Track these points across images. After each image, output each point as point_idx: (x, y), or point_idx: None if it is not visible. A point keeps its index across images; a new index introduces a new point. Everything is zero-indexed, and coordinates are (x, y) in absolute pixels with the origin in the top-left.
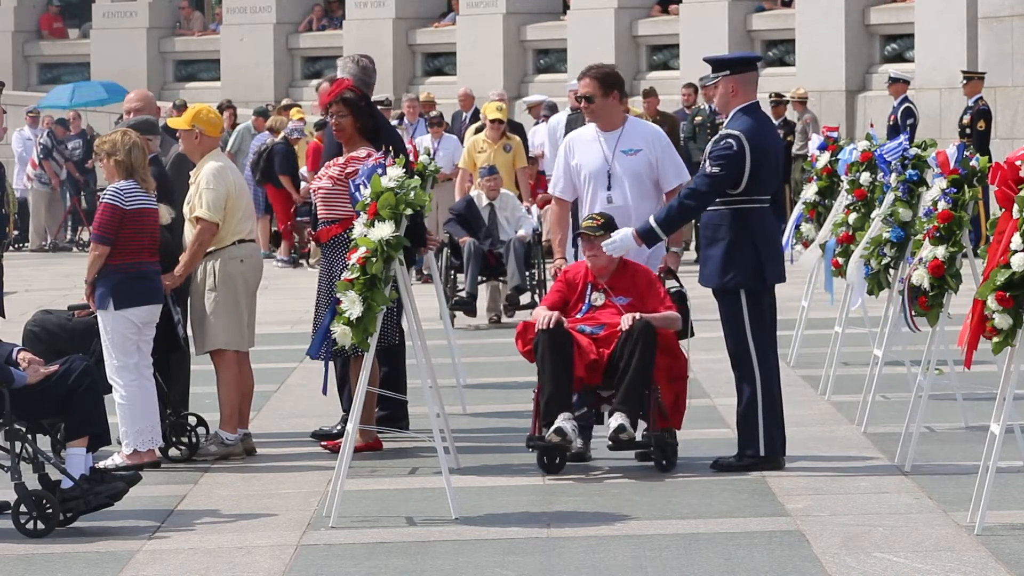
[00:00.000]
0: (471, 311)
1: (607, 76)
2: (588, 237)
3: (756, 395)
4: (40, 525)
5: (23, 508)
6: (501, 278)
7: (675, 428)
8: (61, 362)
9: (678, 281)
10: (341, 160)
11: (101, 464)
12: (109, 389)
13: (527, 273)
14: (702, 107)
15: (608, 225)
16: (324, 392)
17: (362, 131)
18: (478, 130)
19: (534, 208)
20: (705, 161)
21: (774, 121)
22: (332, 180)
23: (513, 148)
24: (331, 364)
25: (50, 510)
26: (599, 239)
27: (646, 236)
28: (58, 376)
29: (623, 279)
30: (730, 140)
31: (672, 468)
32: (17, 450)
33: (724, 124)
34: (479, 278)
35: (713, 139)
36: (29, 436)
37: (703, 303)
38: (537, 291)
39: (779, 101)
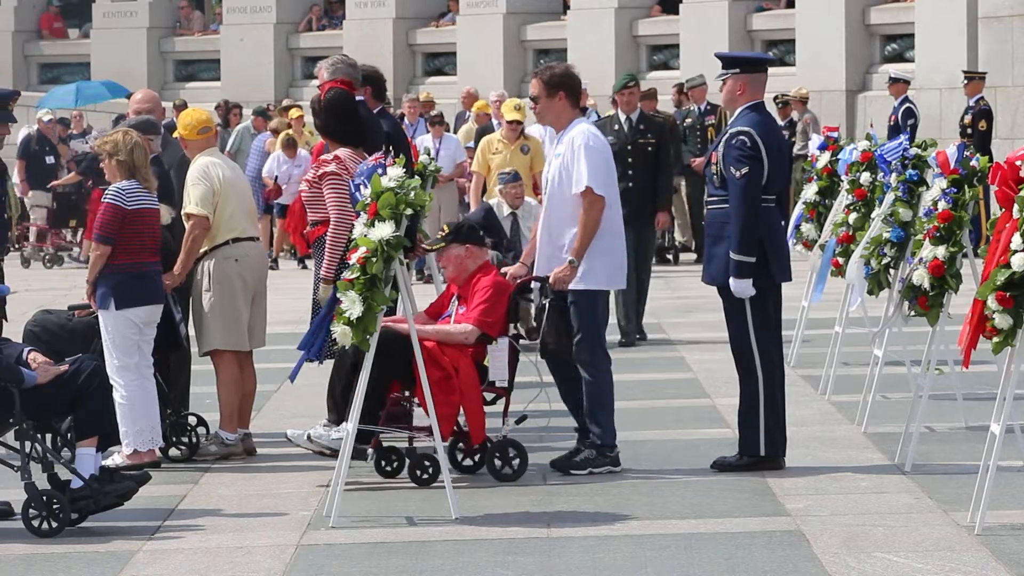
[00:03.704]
0: None
1: (552, 77)
2: (434, 250)
3: (758, 394)
4: (49, 525)
5: (33, 508)
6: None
7: (474, 443)
8: (71, 362)
9: (551, 292)
10: (315, 164)
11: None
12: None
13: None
14: (691, 109)
15: (454, 234)
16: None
17: (323, 132)
18: (482, 131)
19: None
20: (728, 169)
21: (780, 122)
22: (308, 184)
23: (531, 150)
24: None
25: (60, 510)
26: (442, 250)
27: (738, 271)
28: (68, 376)
29: (467, 289)
30: (743, 137)
31: (517, 477)
32: (27, 450)
33: (729, 123)
34: None
35: (724, 141)
36: (38, 436)
37: (703, 303)
38: None
39: (784, 103)
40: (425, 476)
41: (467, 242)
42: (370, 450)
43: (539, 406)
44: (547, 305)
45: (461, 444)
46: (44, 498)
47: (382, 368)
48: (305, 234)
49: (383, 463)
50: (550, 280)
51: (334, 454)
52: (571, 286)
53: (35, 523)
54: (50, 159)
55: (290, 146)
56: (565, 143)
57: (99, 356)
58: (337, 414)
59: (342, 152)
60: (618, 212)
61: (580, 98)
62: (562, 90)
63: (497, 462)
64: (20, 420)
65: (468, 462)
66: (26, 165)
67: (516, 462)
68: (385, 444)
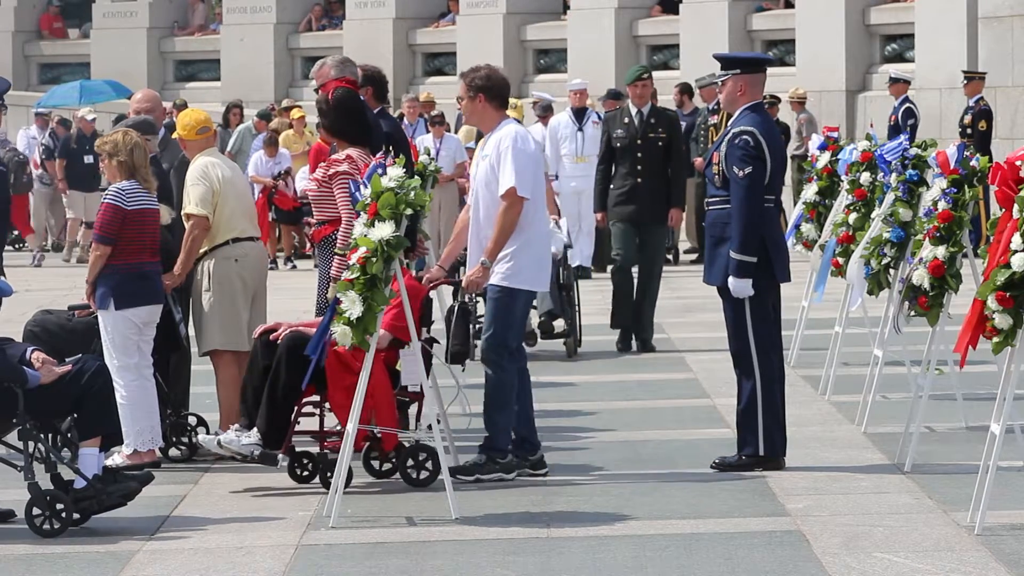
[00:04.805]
0: None
1: (473, 80)
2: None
3: (756, 394)
4: (52, 525)
5: (36, 508)
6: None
7: (386, 448)
8: (74, 362)
9: (462, 295)
10: (325, 163)
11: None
12: None
13: (560, 296)
14: (701, 108)
15: None
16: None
17: (332, 132)
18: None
19: (563, 222)
20: (731, 169)
21: None
22: (317, 183)
23: None
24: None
25: (63, 510)
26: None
27: (738, 270)
28: (71, 376)
29: None
30: (746, 136)
31: (430, 483)
32: (30, 450)
33: (731, 122)
34: None
35: (727, 141)
36: (42, 436)
37: (703, 303)
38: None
39: (772, 102)
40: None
41: None
42: (281, 456)
43: (456, 408)
44: (455, 308)
45: (375, 450)
46: (47, 498)
47: (294, 374)
48: (309, 233)
49: (296, 468)
50: (463, 283)
51: (244, 459)
52: (493, 281)
53: (38, 523)
54: (89, 158)
55: (271, 144)
56: (491, 144)
57: (99, 356)
58: (248, 418)
59: (354, 152)
60: (544, 214)
61: (505, 100)
62: (481, 93)
63: (410, 468)
64: (23, 420)
65: (387, 466)
66: (66, 164)
67: (428, 466)
68: (298, 449)
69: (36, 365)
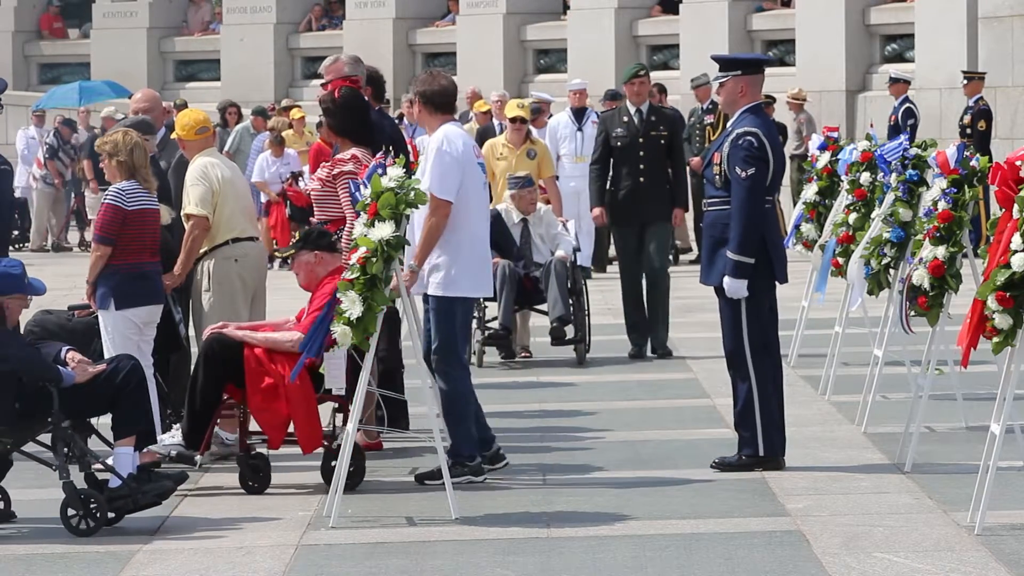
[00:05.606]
0: (506, 346)
1: (415, 84)
2: (285, 257)
3: (752, 395)
4: (87, 524)
5: (71, 507)
6: (538, 307)
7: (304, 452)
8: (108, 361)
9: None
10: (329, 163)
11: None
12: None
13: (570, 300)
14: (696, 108)
15: (303, 240)
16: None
17: (338, 132)
18: (483, 131)
19: (571, 224)
20: (734, 169)
21: None
22: (321, 182)
23: (538, 155)
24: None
25: (97, 509)
26: (293, 257)
27: (735, 271)
28: (106, 375)
29: (316, 294)
30: (750, 137)
31: (354, 487)
32: (65, 449)
33: (731, 123)
34: (513, 307)
35: (730, 141)
36: (76, 435)
37: (702, 303)
38: (581, 320)
39: (768, 102)
40: (255, 484)
41: (316, 248)
42: (198, 457)
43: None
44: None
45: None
46: (82, 497)
47: (214, 375)
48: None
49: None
50: (391, 286)
51: (165, 459)
52: (430, 292)
53: (73, 523)
54: None
55: (277, 143)
56: (428, 147)
57: (97, 357)
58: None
59: (359, 152)
60: (482, 219)
61: (443, 106)
62: (417, 97)
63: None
64: (58, 419)
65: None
66: (93, 164)
67: (350, 471)
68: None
69: (71, 364)
